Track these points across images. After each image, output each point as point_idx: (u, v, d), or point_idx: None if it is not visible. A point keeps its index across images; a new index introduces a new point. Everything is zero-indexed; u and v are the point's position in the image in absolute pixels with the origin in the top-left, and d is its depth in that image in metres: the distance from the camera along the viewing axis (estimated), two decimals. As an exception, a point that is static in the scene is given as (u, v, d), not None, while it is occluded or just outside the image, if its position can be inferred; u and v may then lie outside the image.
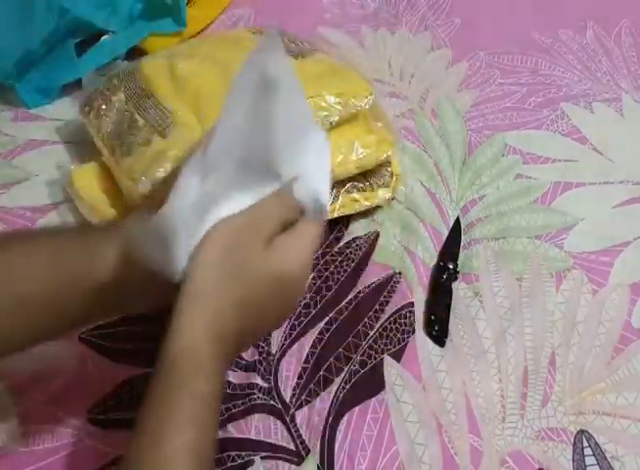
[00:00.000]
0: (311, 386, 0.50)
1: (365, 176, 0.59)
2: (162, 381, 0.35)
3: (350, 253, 0.58)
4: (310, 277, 0.55)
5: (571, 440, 0.47)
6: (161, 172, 0.51)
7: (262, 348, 0.52)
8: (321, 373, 0.51)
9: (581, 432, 0.47)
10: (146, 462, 0.33)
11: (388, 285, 0.56)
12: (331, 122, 0.56)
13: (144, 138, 0.55)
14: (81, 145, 0.68)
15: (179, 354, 0.35)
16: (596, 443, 0.46)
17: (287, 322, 0.54)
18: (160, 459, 0.32)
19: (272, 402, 0.49)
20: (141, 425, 0.34)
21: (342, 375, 0.50)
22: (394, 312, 0.54)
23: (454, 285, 0.55)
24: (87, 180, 0.58)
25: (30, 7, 0.69)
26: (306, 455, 0.46)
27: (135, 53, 0.73)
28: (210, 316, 0.36)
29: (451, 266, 0.56)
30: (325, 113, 0.55)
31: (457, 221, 0.60)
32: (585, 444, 0.46)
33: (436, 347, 0.52)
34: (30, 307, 0.38)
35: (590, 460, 0.46)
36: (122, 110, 0.60)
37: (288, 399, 0.49)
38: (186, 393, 0.34)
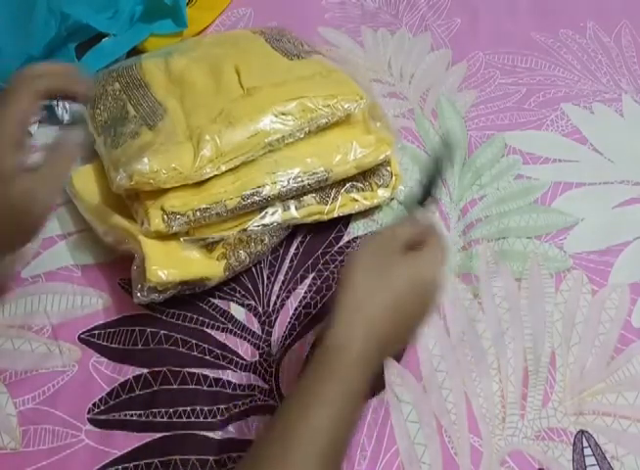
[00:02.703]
0: (311, 386, 0.50)
1: (365, 176, 0.59)
2: (315, 372, 0.39)
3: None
4: (311, 277, 0.55)
5: (572, 440, 0.47)
6: (139, 166, 0.51)
7: (263, 349, 0.52)
8: (321, 373, 0.51)
9: (581, 432, 0.47)
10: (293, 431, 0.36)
11: (388, 285, 0.56)
12: (318, 125, 0.56)
13: (133, 130, 0.56)
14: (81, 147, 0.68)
15: (339, 351, 0.39)
16: (596, 443, 0.47)
17: (287, 322, 0.54)
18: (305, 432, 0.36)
19: (272, 403, 0.49)
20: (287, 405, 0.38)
21: (343, 375, 0.50)
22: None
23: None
24: (87, 181, 0.58)
25: (31, 13, 0.69)
26: (306, 455, 0.46)
27: (135, 53, 0.73)
28: (368, 323, 0.39)
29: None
30: (311, 115, 0.55)
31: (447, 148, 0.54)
32: (585, 444, 0.46)
33: (436, 347, 0.52)
34: None
35: (590, 460, 0.46)
36: (116, 99, 0.60)
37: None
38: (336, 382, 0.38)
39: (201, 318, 0.54)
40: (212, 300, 0.55)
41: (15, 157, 0.40)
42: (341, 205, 0.58)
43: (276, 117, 0.55)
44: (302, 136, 0.56)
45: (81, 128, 0.47)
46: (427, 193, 0.48)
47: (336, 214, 0.58)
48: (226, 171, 0.53)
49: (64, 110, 0.69)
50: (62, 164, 0.43)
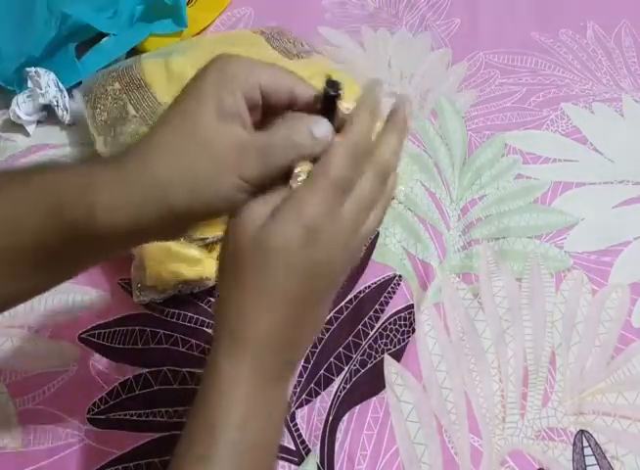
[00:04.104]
0: (311, 385, 0.50)
1: (365, 176, 0.59)
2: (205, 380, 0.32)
3: (350, 253, 0.58)
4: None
5: (572, 440, 0.47)
6: None
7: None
8: (321, 372, 0.51)
9: (581, 432, 0.47)
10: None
11: (388, 286, 0.56)
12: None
13: (133, 129, 0.56)
14: (81, 147, 0.68)
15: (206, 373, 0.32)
16: (596, 442, 0.46)
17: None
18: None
19: (272, 402, 0.49)
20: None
21: (343, 374, 0.50)
22: (395, 313, 0.54)
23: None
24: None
25: (31, 13, 0.69)
26: (307, 455, 0.46)
27: (135, 53, 0.73)
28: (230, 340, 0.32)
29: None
30: None
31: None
32: (585, 443, 0.46)
33: (436, 347, 0.51)
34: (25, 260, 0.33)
35: (590, 460, 0.46)
36: (116, 99, 0.60)
37: (288, 399, 0.49)
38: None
39: (201, 318, 0.54)
40: (212, 300, 0.55)
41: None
42: (341, 204, 0.58)
43: (276, 116, 0.55)
44: None
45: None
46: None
47: (336, 214, 0.58)
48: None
49: (64, 110, 0.69)
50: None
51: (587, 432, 0.47)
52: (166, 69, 0.62)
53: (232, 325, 0.32)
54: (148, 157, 0.32)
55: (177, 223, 0.33)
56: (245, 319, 0.32)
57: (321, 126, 0.32)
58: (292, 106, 0.34)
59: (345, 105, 0.57)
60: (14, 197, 0.33)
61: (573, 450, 0.46)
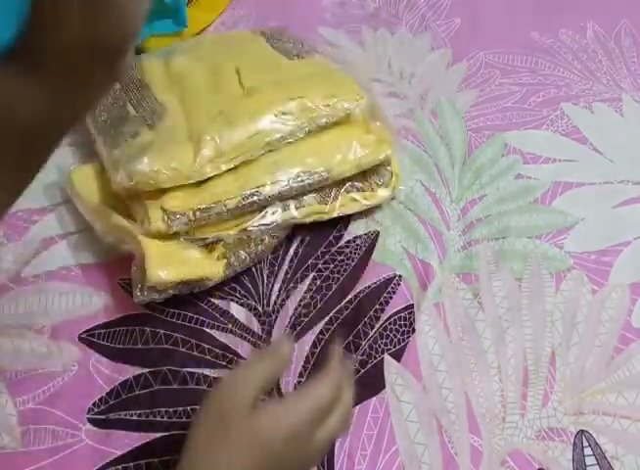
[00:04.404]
0: (311, 386, 0.50)
1: (364, 176, 0.59)
2: None
3: (350, 253, 0.58)
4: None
5: (572, 440, 0.47)
6: (139, 165, 0.51)
7: (262, 348, 0.52)
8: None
9: (581, 432, 0.47)
10: None
11: (388, 286, 0.56)
12: (318, 125, 0.56)
13: (133, 129, 0.56)
14: (81, 147, 0.68)
15: None
16: (596, 442, 0.47)
17: (287, 322, 0.54)
18: None
19: (272, 402, 0.49)
20: None
21: (343, 375, 0.50)
22: (395, 313, 0.54)
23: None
24: (87, 180, 0.58)
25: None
26: (306, 455, 0.46)
27: (135, 53, 0.73)
28: None
29: None
30: (312, 114, 0.55)
31: None
32: (585, 443, 0.46)
33: (436, 347, 0.51)
34: None
35: (590, 460, 0.46)
36: (116, 99, 0.60)
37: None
38: None
39: (201, 318, 0.54)
40: (212, 300, 0.55)
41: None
42: (341, 205, 0.58)
43: (276, 116, 0.55)
44: (302, 136, 0.56)
45: None
46: None
47: (336, 214, 0.58)
48: (226, 171, 0.53)
49: None
50: None
51: (587, 432, 0.47)
52: (166, 69, 0.62)
53: None
54: None
55: None
56: None
57: None
58: None
59: (346, 105, 0.57)
60: None
61: (573, 450, 0.46)
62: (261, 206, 0.54)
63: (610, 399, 0.49)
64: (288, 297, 0.55)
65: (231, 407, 0.38)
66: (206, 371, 0.51)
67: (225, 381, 0.39)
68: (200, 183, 0.53)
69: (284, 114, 0.55)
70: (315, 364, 0.51)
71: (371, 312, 0.54)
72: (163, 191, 0.52)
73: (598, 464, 0.45)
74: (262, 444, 0.37)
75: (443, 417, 0.48)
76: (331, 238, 0.59)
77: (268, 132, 0.54)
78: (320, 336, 0.53)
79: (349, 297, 0.55)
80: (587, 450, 0.46)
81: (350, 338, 0.52)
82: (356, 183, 0.58)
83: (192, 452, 0.37)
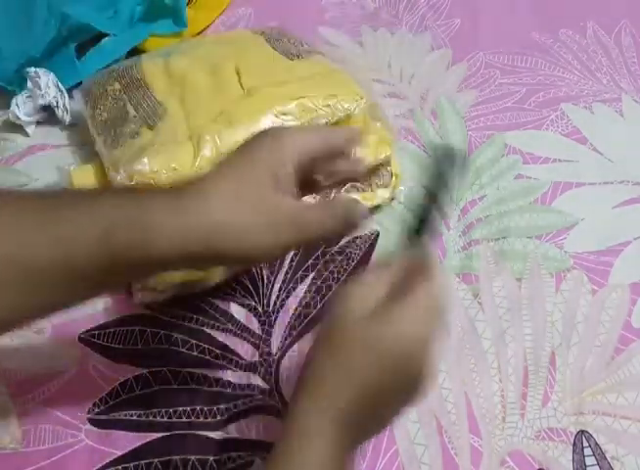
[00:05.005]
0: (311, 386, 0.50)
1: (364, 176, 0.59)
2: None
3: (350, 252, 0.58)
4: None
5: (572, 440, 0.47)
6: (139, 166, 0.51)
7: (263, 349, 0.52)
8: (321, 373, 0.51)
9: (581, 432, 0.47)
10: None
11: (388, 285, 0.56)
12: (318, 125, 0.56)
13: (132, 130, 0.56)
14: (81, 147, 0.68)
15: (294, 435, 0.34)
16: (596, 443, 0.46)
17: (287, 322, 0.54)
18: None
19: (273, 403, 0.49)
20: None
21: (343, 375, 0.50)
22: (394, 312, 0.54)
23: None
24: (87, 181, 0.58)
25: (31, 13, 0.69)
26: (306, 455, 0.46)
27: (135, 53, 0.73)
28: (326, 403, 0.34)
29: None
30: (311, 115, 0.55)
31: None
32: (585, 444, 0.46)
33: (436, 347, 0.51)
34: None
35: (590, 460, 0.46)
36: (116, 99, 0.60)
37: (289, 399, 0.49)
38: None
39: (201, 318, 0.54)
40: (212, 300, 0.55)
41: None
42: (341, 205, 0.58)
43: (276, 117, 0.55)
44: None
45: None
46: (425, 219, 0.41)
47: (336, 214, 0.58)
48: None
49: (64, 111, 0.69)
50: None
51: (587, 432, 0.47)
52: (166, 69, 0.62)
53: (322, 400, 0.34)
54: (209, 200, 0.35)
55: (215, 261, 0.39)
56: (335, 397, 0.34)
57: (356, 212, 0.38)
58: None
59: (346, 105, 0.57)
60: (63, 218, 0.34)
61: (573, 451, 0.46)
62: (261, 206, 0.54)
63: (610, 400, 0.49)
64: (288, 297, 0.55)
65: (349, 320, 0.35)
66: (206, 371, 0.51)
67: (343, 296, 0.36)
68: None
69: (284, 114, 0.55)
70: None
71: (371, 312, 0.54)
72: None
73: (598, 464, 0.45)
74: (389, 353, 0.34)
75: (443, 417, 0.48)
76: (331, 238, 0.59)
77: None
78: (320, 336, 0.53)
79: (349, 297, 0.55)
80: (587, 451, 0.46)
81: (350, 338, 0.52)
82: (356, 183, 0.58)
83: (313, 362, 0.35)
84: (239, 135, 0.53)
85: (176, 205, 0.35)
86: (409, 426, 0.47)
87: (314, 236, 0.37)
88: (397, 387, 0.35)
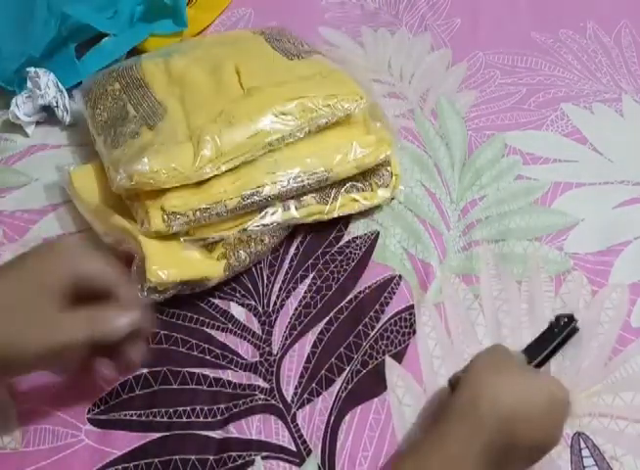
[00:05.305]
0: (313, 385, 0.50)
1: (365, 176, 0.59)
2: None
3: (350, 253, 0.58)
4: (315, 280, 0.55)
5: (569, 442, 0.47)
6: (139, 166, 0.51)
7: (263, 349, 0.52)
8: (322, 373, 0.51)
9: (578, 434, 0.47)
10: None
11: (388, 286, 0.56)
12: (318, 125, 0.56)
13: (133, 130, 0.56)
14: (81, 147, 0.68)
15: (445, 460, 0.38)
16: (593, 444, 0.46)
17: (287, 322, 0.54)
18: None
19: (273, 402, 0.49)
20: None
21: (344, 375, 0.50)
22: (395, 314, 0.54)
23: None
24: (87, 180, 0.58)
25: (31, 13, 0.69)
26: (307, 456, 0.46)
27: (135, 53, 0.73)
28: (480, 429, 0.38)
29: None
30: (311, 115, 0.55)
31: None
32: (583, 445, 0.46)
33: (437, 349, 0.51)
34: None
35: (588, 462, 0.46)
36: (116, 99, 0.60)
37: (289, 399, 0.49)
38: None
39: (201, 318, 0.54)
40: (212, 300, 0.55)
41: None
42: (341, 205, 0.58)
43: (276, 117, 0.55)
44: (302, 136, 0.56)
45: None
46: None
47: (336, 214, 0.58)
48: (226, 171, 0.53)
49: (64, 111, 0.69)
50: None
51: (584, 434, 0.47)
52: (166, 69, 0.62)
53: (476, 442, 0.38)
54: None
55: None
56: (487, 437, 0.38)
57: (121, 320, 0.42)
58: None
59: (346, 105, 0.57)
60: None
61: (571, 453, 0.46)
62: (261, 206, 0.54)
63: (606, 401, 0.49)
64: (288, 297, 0.55)
65: (508, 357, 0.43)
66: (206, 371, 0.51)
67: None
68: (200, 183, 0.53)
69: (284, 114, 0.55)
70: (316, 364, 0.51)
71: (371, 313, 0.54)
72: (163, 191, 0.52)
73: (597, 465, 0.45)
74: (551, 398, 0.40)
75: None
76: (331, 238, 0.59)
77: (268, 132, 0.54)
78: (320, 336, 0.53)
79: (349, 297, 0.55)
80: (585, 452, 0.46)
81: (351, 338, 0.53)
82: (356, 183, 0.58)
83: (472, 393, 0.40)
84: (239, 135, 0.53)
85: None
86: (410, 428, 0.47)
87: (68, 342, 0.40)
88: (545, 426, 0.41)
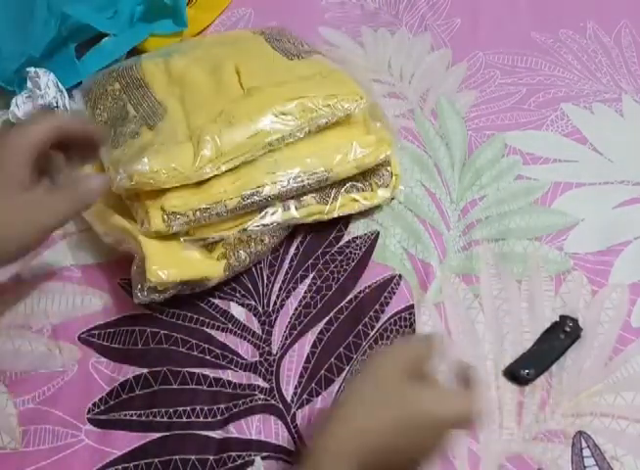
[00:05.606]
0: (312, 385, 0.50)
1: (365, 176, 0.59)
2: None
3: (350, 252, 0.58)
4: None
5: (570, 441, 0.47)
6: (139, 166, 0.51)
7: (263, 348, 0.52)
8: (322, 373, 0.51)
9: (579, 433, 0.47)
10: None
11: (388, 286, 0.56)
12: (318, 125, 0.56)
13: (133, 130, 0.56)
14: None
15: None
16: (594, 443, 0.46)
17: (287, 322, 0.54)
18: None
19: (273, 402, 0.49)
20: None
21: (344, 375, 0.50)
22: (395, 313, 0.54)
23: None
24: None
25: (31, 13, 0.69)
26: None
27: (135, 53, 0.73)
28: (348, 447, 0.37)
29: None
30: (311, 114, 0.55)
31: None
32: (584, 444, 0.46)
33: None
34: None
35: (589, 461, 0.46)
36: (116, 99, 0.60)
37: (289, 399, 0.49)
38: None
39: (201, 318, 0.54)
40: (212, 300, 0.55)
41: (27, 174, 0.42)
42: (341, 205, 0.58)
43: (276, 117, 0.55)
44: (302, 136, 0.56)
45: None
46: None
47: (336, 214, 0.58)
48: (226, 171, 0.53)
49: (64, 111, 0.69)
50: (82, 193, 0.45)
51: (585, 433, 0.47)
52: (166, 69, 0.62)
53: (344, 443, 0.37)
54: None
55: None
56: (357, 445, 0.37)
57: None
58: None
59: (346, 105, 0.57)
60: None
61: (572, 452, 0.46)
62: (261, 206, 0.54)
63: (608, 400, 0.49)
64: (288, 297, 0.55)
65: (384, 372, 0.39)
66: (206, 371, 0.51)
67: (378, 353, 0.42)
68: (200, 183, 0.53)
69: (284, 114, 0.55)
70: (316, 364, 0.51)
71: (371, 312, 0.54)
72: (163, 191, 0.52)
73: (597, 465, 0.45)
74: (415, 416, 0.37)
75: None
76: (331, 238, 0.59)
77: (268, 132, 0.54)
78: (320, 336, 0.53)
79: (349, 297, 0.55)
80: (586, 452, 0.46)
81: (351, 338, 0.53)
82: (356, 183, 0.58)
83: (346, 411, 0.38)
84: (239, 135, 0.53)
85: None
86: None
87: (55, 223, 0.44)
88: (410, 451, 0.38)
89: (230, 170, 0.53)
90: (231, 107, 0.55)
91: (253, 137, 0.54)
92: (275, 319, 0.54)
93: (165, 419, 0.48)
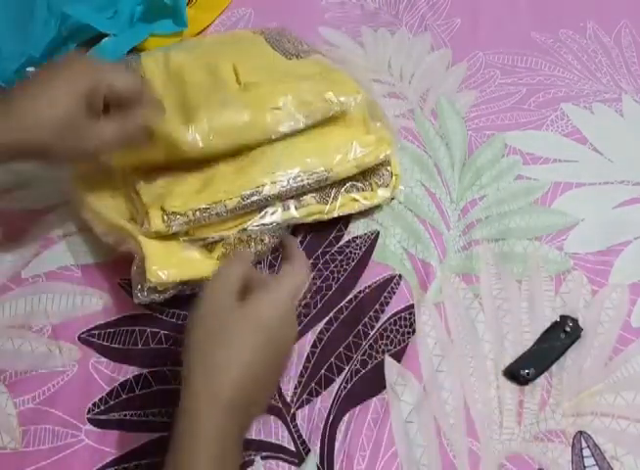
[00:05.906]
0: (312, 385, 0.50)
1: (365, 176, 0.59)
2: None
3: (350, 252, 0.58)
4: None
5: (570, 441, 0.47)
6: None
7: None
8: (322, 372, 0.51)
9: (580, 433, 0.47)
10: None
11: (388, 285, 0.56)
12: (315, 119, 0.56)
13: None
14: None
15: (181, 417, 0.38)
16: (595, 443, 0.46)
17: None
18: None
19: (273, 402, 0.49)
20: None
21: (344, 374, 0.50)
22: (395, 313, 0.54)
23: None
24: (87, 181, 0.58)
25: (31, 13, 0.69)
26: (306, 455, 0.46)
27: (135, 53, 0.73)
28: (205, 387, 0.37)
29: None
30: (308, 108, 0.55)
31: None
32: (584, 444, 0.46)
33: (437, 347, 0.51)
34: None
35: (589, 461, 0.46)
36: None
37: (289, 399, 0.49)
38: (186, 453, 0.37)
39: (201, 318, 0.54)
40: (212, 300, 0.55)
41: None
42: (341, 204, 0.58)
43: (272, 110, 0.54)
44: (299, 129, 0.55)
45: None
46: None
47: (336, 214, 0.58)
48: (226, 170, 0.53)
49: None
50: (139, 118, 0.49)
51: (586, 433, 0.47)
52: (165, 67, 0.62)
53: (206, 379, 0.37)
54: (35, 100, 0.45)
55: (40, 156, 0.47)
56: (218, 374, 0.38)
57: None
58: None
59: (342, 99, 0.57)
60: None
61: (572, 452, 0.46)
62: (261, 206, 0.54)
63: (608, 400, 0.49)
64: (288, 297, 0.55)
65: (219, 306, 0.40)
66: (206, 371, 0.51)
67: (207, 285, 0.41)
68: (199, 183, 0.53)
69: (280, 108, 0.55)
70: (316, 364, 0.51)
71: (371, 312, 0.54)
72: (163, 191, 0.52)
73: (597, 464, 0.45)
74: (261, 327, 0.39)
75: (442, 420, 0.48)
76: (331, 238, 0.59)
77: (265, 125, 0.54)
78: (320, 336, 0.53)
79: (349, 297, 0.55)
80: (586, 452, 0.46)
81: (351, 338, 0.53)
82: (356, 183, 0.58)
83: (189, 357, 0.38)
84: (233, 118, 0.53)
85: (6, 109, 0.44)
86: (409, 427, 0.47)
87: (100, 146, 0.48)
88: (272, 361, 0.40)
89: (230, 170, 0.53)
90: (226, 96, 0.55)
91: (249, 125, 0.54)
92: (275, 319, 0.54)
93: (165, 419, 0.48)
